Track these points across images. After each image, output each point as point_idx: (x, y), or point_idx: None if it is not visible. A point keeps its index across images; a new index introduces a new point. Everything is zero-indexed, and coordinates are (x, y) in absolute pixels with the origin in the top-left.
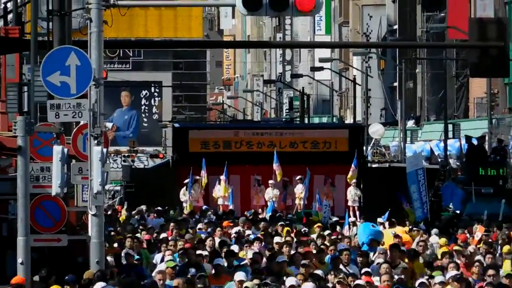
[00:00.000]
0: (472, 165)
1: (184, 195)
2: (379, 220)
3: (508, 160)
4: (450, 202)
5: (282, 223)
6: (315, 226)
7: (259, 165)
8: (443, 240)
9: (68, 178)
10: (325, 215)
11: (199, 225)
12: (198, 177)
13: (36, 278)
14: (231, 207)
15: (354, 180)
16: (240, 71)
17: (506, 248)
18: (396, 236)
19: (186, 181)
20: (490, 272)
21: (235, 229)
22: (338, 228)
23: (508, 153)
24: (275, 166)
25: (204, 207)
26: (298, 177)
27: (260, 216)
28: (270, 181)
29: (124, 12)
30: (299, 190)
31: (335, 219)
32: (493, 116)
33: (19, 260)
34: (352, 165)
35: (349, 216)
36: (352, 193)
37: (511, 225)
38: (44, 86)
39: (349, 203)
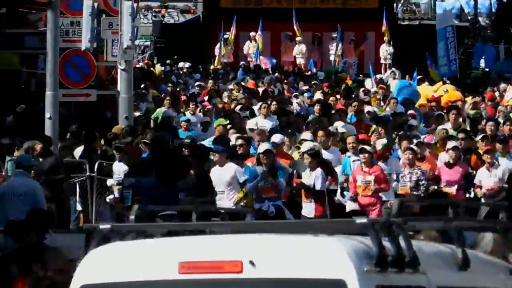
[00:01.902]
0: (502, 22)
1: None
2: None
3: None
4: (480, 61)
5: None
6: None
7: (289, 21)
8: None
9: (98, 33)
10: (352, 72)
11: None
12: (228, 34)
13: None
14: (258, 62)
15: (386, 37)
16: None
17: None
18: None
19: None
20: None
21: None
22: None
23: None
24: (295, 26)
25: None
26: (334, 34)
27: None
28: (298, 38)
29: None
30: (333, 47)
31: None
32: None
33: (47, 115)
34: (384, 22)
35: (381, 73)
36: (384, 50)
37: None
38: None
39: (381, 60)
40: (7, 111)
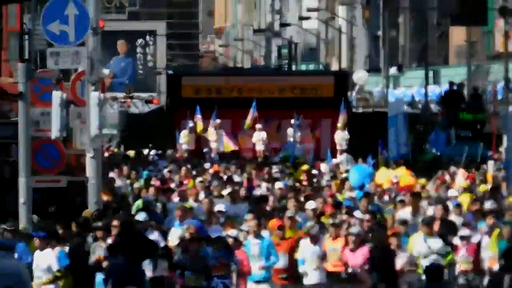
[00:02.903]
0: (451, 109)
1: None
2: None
3: (484, 105)
4: (435, 146)
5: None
6: (302, 167)
7: (249, 110)
8: (422, 180)
9: (67, 122)
10: (310, 158)
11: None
12: (192, 124)
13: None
14: (221, 149)
15: (341, 124)
16: (231, 20)
17: (482, 187)
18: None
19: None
20: None
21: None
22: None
23: (484, 98)
24: (250, 114)
25: (205, 150)
26: (292, 120)
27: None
28: (258, 125)
29: None
30: (290, 133)
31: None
32: (472, 63)
33: (21, 200)
34: (341, 110)
35: (335, 157)
36: (340, 137)
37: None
38: (44, 35)
39: (337, 146)
40: None
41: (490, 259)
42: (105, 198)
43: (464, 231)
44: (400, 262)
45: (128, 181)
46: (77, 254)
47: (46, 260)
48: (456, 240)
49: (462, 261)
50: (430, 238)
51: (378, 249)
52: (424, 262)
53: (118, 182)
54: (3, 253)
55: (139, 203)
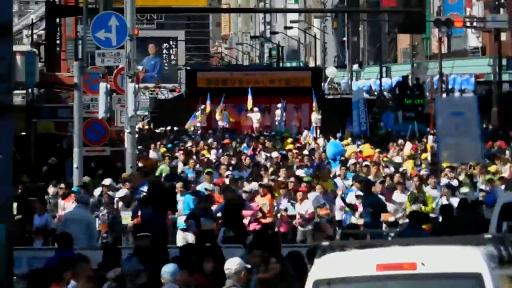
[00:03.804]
0: (399, 96)
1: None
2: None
3: (424, 93)
4: (386, 124)
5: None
6: (287, 140)
7: (246, 97)
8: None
9: (110, 106)
10: (294, 132)
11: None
12: (203, 106)
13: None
14: (226, 125)
15: (316, 107)
16: (233, 29)
17: (423, 155)
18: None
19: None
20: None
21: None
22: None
23: (424, 88)
24: (249, 98)
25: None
26: (279, 105)
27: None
28: (255, 108)
29: None
30: (278, 114)
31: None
32: (414, 62)
33: (75, 165)
34: (314, 97)
35: (313, 133)
36: (315, 117)
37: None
38: (93, 40)
39: (313, 124)
40: (44, 163)
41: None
42: (140, 164)
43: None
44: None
45: (160, 152)
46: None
47: None
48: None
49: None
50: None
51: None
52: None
53: (153, 154)
54: (81, 205)
55: (162, 167)
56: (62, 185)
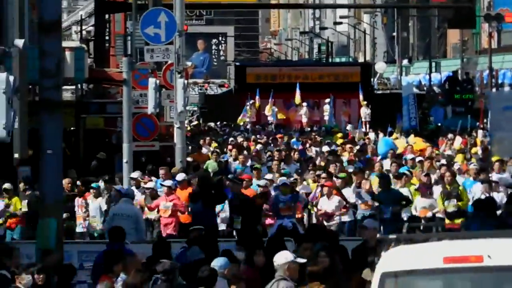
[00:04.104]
0: (449, 90)
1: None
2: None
3: (474, 88)
4: (435, 118)
5: None
6: (337, 135)
7: (295, 92)
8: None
9: (159, 101)
10: (343, 127)
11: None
12: (252, 101)
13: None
14: (272, 121)
15: (365, 102)
16: (283, 25)
17: (473, 150)
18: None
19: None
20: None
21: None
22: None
23: (474, 83)
24: (298, 93)
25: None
26: (327, 100)
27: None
28: (303, 103)
29: None
30: (327, 109)
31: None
32: (464, 57)
33: (124, 160)
34: (361, 92)
35: (362, 127)
36: (364, 112)
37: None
38: (142, 36)
39: (362, 119)
40: (93, 158)
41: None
42: (189, 159)
43: None
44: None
45: (211, 148)
46: None
47: None
48: None
49: None
50: None
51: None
52: None
53: (204, 150)
54: (127, 199)
55: (208, 162)
56: (78, 182)
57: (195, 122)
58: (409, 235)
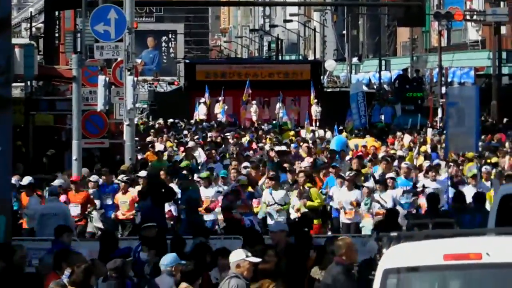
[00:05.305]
0: (399, 88)
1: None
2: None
3: (423, 86)
4: (380, 117)
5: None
6: (287, 132)
7: (244, 89)
8: (378, 143)
9: (109, 99)
10: (293, 125)
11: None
12: (203, 99)
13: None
14: (221, 119)
15: (315, 100)
16: (233, 22)
17: (423, 148)
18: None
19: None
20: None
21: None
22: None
23: (423, 81)
24: (246, 90)
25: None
26: (278, 98)
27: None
28: (253, 101)
29: None
30: (277, 108)
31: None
32: (414, 55)
33: (74, 157)
34: (311, 90)
35: (311, 125)
36: (314, 109)
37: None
38: (92, 33)
39: (313, 117)
40: (43, 155)
41: None
42: (139, 156)
43: None
44: None
45: (167, 147)
46: None
47: None
48: None
49: None
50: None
51: None
52: None
53: (159, 146)
54: (53, 197)
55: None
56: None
57: (144, 120)
58: (410, 233)
